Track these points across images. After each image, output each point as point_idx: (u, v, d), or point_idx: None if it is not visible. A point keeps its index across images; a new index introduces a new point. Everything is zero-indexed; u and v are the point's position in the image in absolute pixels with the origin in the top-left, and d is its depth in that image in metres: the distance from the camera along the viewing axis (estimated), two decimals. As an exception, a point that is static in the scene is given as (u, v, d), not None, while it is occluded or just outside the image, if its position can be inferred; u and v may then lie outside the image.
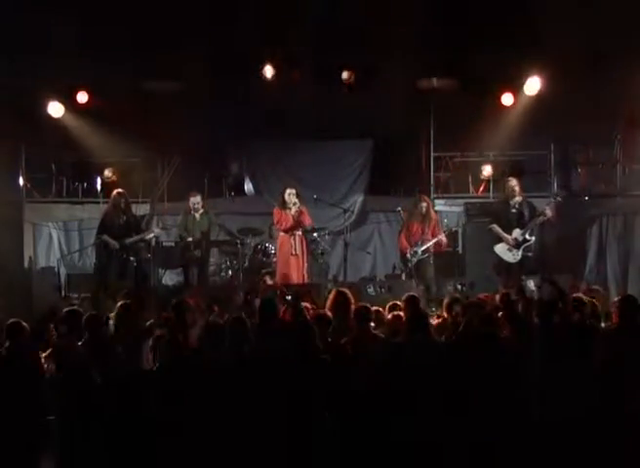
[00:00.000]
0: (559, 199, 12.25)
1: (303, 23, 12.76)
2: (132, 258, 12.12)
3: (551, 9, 12.73)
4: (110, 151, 14.00)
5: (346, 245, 12.86)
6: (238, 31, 12.72)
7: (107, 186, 13.72)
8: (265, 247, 13.11)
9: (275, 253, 12.69)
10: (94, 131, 13.47)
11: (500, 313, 7.39)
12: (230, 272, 13.08)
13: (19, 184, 13.84)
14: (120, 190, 12.44)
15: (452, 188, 14.32)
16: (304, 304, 7.99)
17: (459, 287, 12.05)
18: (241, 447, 6.10)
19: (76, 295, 12.41)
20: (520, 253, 11.55)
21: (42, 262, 14.09)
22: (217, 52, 12.88)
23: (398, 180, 14.37)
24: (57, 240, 14.33)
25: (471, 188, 14.22)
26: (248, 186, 14.85)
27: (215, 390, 6.21)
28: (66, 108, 13.33)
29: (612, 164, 13.88)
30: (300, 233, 12.21)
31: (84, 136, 13.56)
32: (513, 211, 11.71)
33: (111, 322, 7.59)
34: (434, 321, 7.79)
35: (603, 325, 7.67)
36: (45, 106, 13.21)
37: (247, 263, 12.96)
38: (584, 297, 7.90)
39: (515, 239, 11.58)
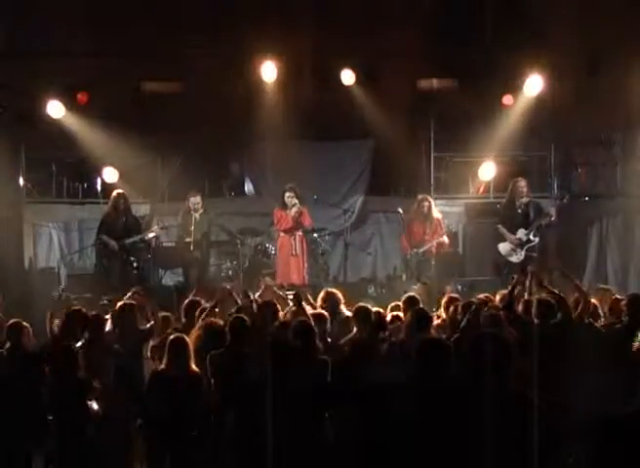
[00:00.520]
0: (565, 201, 12.25)
1: (303, 23, 12.78)
2: (132, 259, 12.11)
3: (551, 9, 12.76)
4: (110, 151, 14.00)
5: (347, 245, 12.87)
6: (238, 31, 12.73)
7: (107, 187, 13.71)
8: (266, 247, 13.11)
9: (275, 254, 12.69)
10: (94, 131, 13.46)
11: (501, 313, 7.38)
12: (231, 272, 13.07)
13: (19, 184, 13.82)
14: (120, 191, 12.45)
15: (452, 188, 14.30)
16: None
17: (459, 287, 12.06)
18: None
19: (75, 296, 12.43)
20: (523, 253, 11.55)
21: (42, 263, 14.06)
22: (217, 52, 12.88)
23: (398, 181, 14.36)
24: (57, 240, 14.31)
25: (471, 189, 14.21)
26: (248, 186, 14.84)
27: None
28: (66, 108, 13.32)
29: (612, 164, 13.88)
30: (300, 234, 12.21)
31: (84, 136, 13.55)
32: (519, 211, 11.73)
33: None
34: (435, 321, 7.77)
35: (603, 322, 7.68)
36: (45, 106, 13.21)
37: (247, 264, 12.96)
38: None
39: (519, 239, 11.58)
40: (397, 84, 13.48)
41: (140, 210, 13.54)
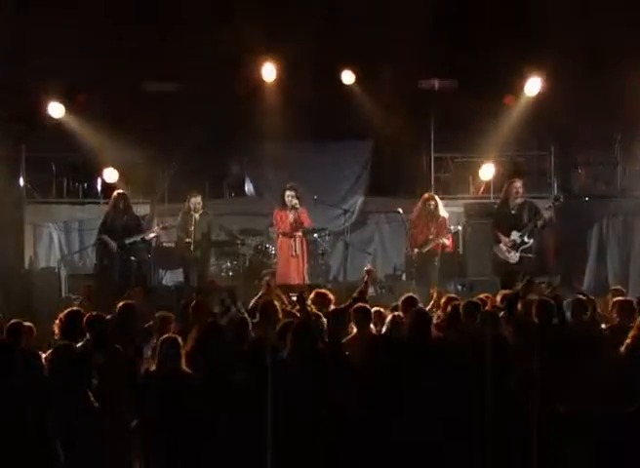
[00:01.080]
0: (560, 202, 12.24)
1: (303, 23, 12.78)
2: (132, 259, 12.11)
3: (551, 9, 12.76)
4: (110, 151, 14.00)
5: (347, 245, 12.86)
6: (238, 31, 12.72)
7: (107, 186, 13.71)
8: (266, 247, 13.11)
9: (275, 254, 12.68)
10: (94, 131, 13.47)
11: (501, 314, 7.38)
12: (231, 273, 13.08)
13: (19, 185, 13.83)
14: (120, 191, 12.44)
15: (452, 189, 14.30)
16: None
17: (459, 287, 12.06)
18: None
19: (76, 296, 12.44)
20: (518, 254, 11.51)
21: (42, 263, 14.06)
22: (217, 52, 12.88)
23: (398, 181, 14.36)
24: (57, 240, 14.31)
25: (471, 189, 14.21)
26: (248, 187, 14.84)
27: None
28: (66, 108, 13.33)
29: (612, 165, 13.88)
30: (299, 234, 12.21)
31: (84, 136, 13.55)
32: (512, 212, 11.65)
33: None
34: (435, 321, 7.77)
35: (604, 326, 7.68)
36: (45, 107, 13.21)
37: (247, 264, 12.96)
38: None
39: (513, 241, 11.54)
40: (397, 84, 13.49)
41: (141, 210, 13.53)
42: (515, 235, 11.54)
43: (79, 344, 6.97)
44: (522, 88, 13.26)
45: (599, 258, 13.60)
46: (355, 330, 7.38)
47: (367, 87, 13.50)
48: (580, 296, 7.74)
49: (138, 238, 12.17)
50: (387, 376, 6.43)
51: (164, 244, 13.49)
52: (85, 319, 7.19)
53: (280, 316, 7.54)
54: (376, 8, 12.80)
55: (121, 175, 13.79)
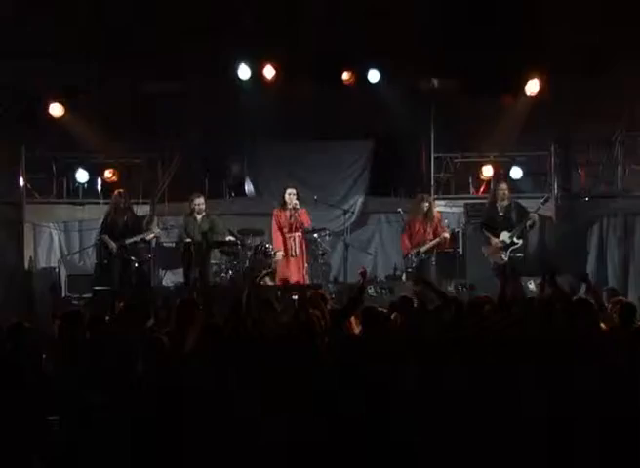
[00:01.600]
0: (547, 202, 12.28)
1: (303, 23, 12.78)
2: (132, 259, 12.11)
3: (551, 9, 12.76)
4: (110, 151, 14.01)
5: (347, 246, 12.85)
6: (238, 31, 12.73)
7: (108, 187, 13.72)
8: (266, 248, 13.07)
9: (275, 254, 12.67)
10: (94, 131, 13.47)
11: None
12: (231, 273, 13.07)
13: (19, 185, 13.83)
14: (121, 190, 12.44)
15: (452, 189, 14.31)
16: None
17: (459, 287, 12.07)
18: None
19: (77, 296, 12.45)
20: (507, 254, 11.58)
21: (42, 263, 14.06)
22: (216, 52, 12.89)
23: (398, 181, 14.36)
24: (57, 240, 14.30)
25: (472, 189, 14.22)
26: (248, 187, 14.83)
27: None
28: (66, 108, 13.33)
29: (612, 164, 13.87)
30: (299, 234, 12.20)
31: (84, 137, 13.56)
32: (500, 214, 11.76)
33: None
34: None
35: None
36: (45, 106, 13.21)
37: (247, 264, 12.95)
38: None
39: (503, 241, 11.62)
40: (397, 84, 13.49)
41: (141, 210, 13.53)
42: (505, 236, 11.61)
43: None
44: (522, 88, 13.27)
45: (599, 259, 13.60)
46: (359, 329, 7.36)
47: (367, 86, 13.50)
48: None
49: (137, 238, 12.16)
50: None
51: (164, 244, 13.49)
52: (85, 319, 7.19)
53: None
54: (376, 8, 12.79)
55: (121, 175, 13.82)
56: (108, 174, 14.00)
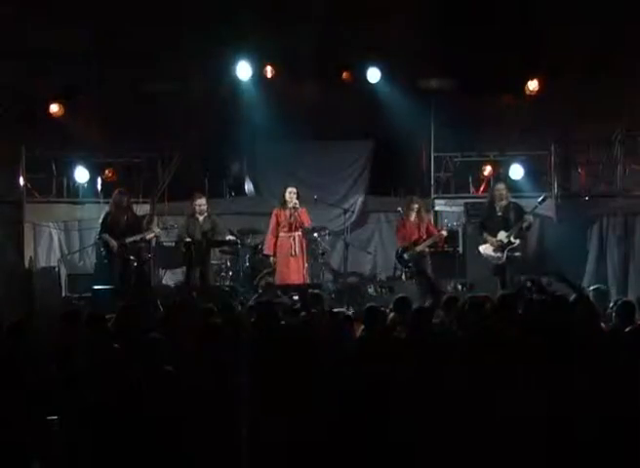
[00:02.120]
0: (544, 202, 12.29)
1: (303, 23, 12.78)
2: (132, 258, 12.11)
3: (551, 9, 12.76)
4: (110, 151, 14.02)
5: (347, 245, 12.85)
6: (238, 31, 12.73)
7: (108, 186, 13.72)
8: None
9: (275, 254, 12.67)
10: (94, 131, 13.48)
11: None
12: (231, 272, 13.08)
13: (19, 184, 13.84)
14: (122, 189, 12.44)
15: (452, 188, 14.31)
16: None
17: (459, 287, 12.08)
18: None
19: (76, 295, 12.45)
20: (505, 254, 11.58)
21: (42, 262, 14.07)
22: (216, 52, 12.89)
23: (398, 181, 14.35)
24: (57, 240, 14.32)
25: (472, 188, 14.22)
26: (248, 186, 14.84)
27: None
28: (66, 108, 13.34)
29: (612, 164, 13.87)
30: (299, 234, 12.19)
31: (84, 136, 13.56)
32: (499, 214, 11.76)
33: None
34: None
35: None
36: (45, 106, 13.21)
37: (247, 264, 12.96)
38: None
39: (500, 241, 11.62)
40: (397, 84, 13.49)
41: (141, 209, 13.53)
42: (502, 236, 11.62)
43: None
44: (522, 88, 13.27)
45: (599, 258, 13.60)
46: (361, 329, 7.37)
47: (366, 86, 13.50)
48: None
49: (137, 238, 12.16)
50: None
51: (164, 243, 13.49)
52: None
53: None
54: (376, 8, 12.80)
55: (121, 175, 13.83)
56: (108, 173, 14.01)
